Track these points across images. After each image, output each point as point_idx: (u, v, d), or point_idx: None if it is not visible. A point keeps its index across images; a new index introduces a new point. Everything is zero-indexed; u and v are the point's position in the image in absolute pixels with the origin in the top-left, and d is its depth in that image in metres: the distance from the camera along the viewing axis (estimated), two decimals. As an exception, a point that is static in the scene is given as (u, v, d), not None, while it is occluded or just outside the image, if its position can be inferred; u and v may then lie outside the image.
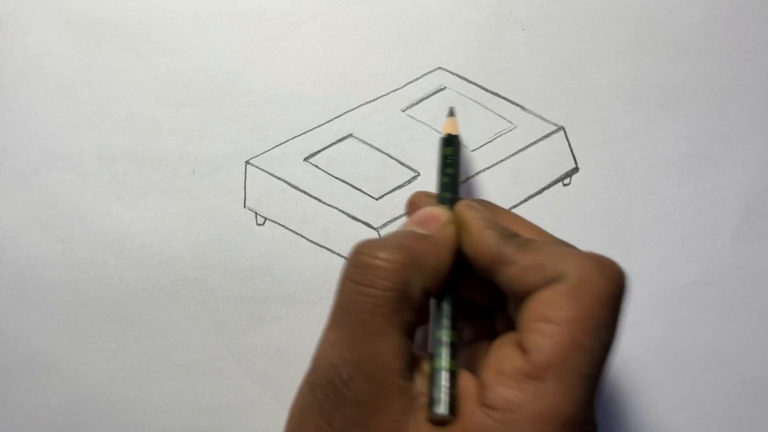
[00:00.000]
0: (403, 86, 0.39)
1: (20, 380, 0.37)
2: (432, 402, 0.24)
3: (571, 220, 0.38)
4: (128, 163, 0.38)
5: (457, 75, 0.39)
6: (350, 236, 0.38)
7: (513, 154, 0.38)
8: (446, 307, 0.27)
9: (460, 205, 0.29)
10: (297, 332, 0.37)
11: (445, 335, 0.26)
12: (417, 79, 0.39)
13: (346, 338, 0.25)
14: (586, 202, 0.38)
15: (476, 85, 0.39)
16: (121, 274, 0.37)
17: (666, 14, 0.39)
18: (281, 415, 0.37)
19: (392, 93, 0.39)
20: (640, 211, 0.38)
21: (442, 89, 0.39)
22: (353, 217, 0.38)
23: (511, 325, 0.27)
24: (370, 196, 0.38)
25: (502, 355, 0.25)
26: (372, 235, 0.38)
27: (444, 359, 0.25)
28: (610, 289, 0.24)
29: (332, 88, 0.39)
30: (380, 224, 0.38)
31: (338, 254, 0.38)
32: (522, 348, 0.24)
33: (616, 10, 0.39)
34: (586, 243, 0.38)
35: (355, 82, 0.39)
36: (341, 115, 0.39)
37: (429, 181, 0.38)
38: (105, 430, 0.37)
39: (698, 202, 0.38)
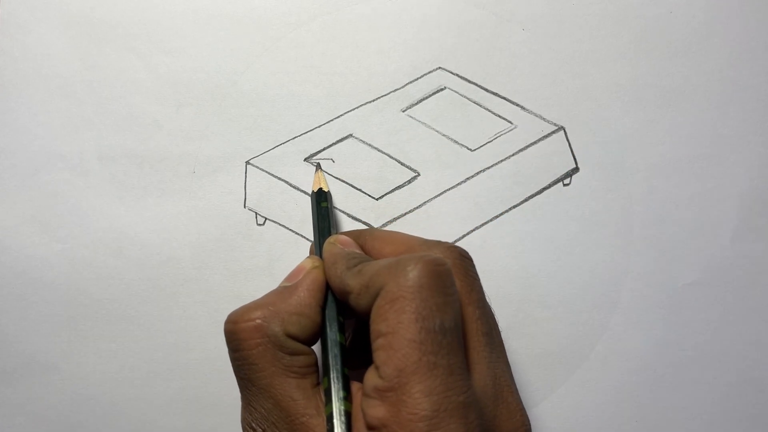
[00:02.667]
0: (403, 86, 0.39)
1: (20, 380, 0.37)
2: None
3: (571, 220, 0.38)
4: (128, 163, 0.38)
5: (457, 75, 0.39)
6: (350, 236, 0.38)
7: (513, 154, 0.38)
8: (328, 345, 0.28)
9: (325, 244, 0.31)
10: (297, 332, 0.37)
11: (326, 381, 0.27)
12: (417, 79, 0.39)
13: (248, 398, 0.28)
14: (586, 202, 0.38)
15: (476, 85, 0.39)
16: (121, 274, 0.37)
17: (666, 14, 0.39)
18: (281, 415, 0.37)
19: (392, 93, 0.39)
20: (640, 211, 0.38)
21: (442, 89, 0.39)
22: (353, 217, 0.38)
23: None
24: (370, 196, 0.38)
25: (366, 379, 0.26)
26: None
27: (332, 404, 0.26)
28: (421, 281, 0.25)
29: (332, 88, 0.39)
30: (380, 224, 0.38)
31: (338, 254, 0.38)
32: (375, 367, 0.25)
33: (616, 10, 0.39)
34: (586, 243, 0.38)
35: (355, 82, 0.39)
36: (341, 115, 0.39)
37: (429, 181, 0.38)
38: (105, 430, 0.37)
39: (698, 202, 0.38)
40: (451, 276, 0.26)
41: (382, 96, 0.39)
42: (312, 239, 0.38)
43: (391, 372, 0.24)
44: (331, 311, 0.29)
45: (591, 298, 0.38)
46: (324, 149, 0.38)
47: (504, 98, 0.39)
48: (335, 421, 0.26)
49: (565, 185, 0.38)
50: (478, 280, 0.28)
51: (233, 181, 0.38)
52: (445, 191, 0.38)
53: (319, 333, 0.29)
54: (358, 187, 0.38)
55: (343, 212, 0.38)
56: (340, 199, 0.38)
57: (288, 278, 0.30)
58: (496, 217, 0.38)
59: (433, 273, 0.25)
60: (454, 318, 0.25)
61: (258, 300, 0.29)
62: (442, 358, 0.24)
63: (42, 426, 0.37)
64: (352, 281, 0.27)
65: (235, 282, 0.37)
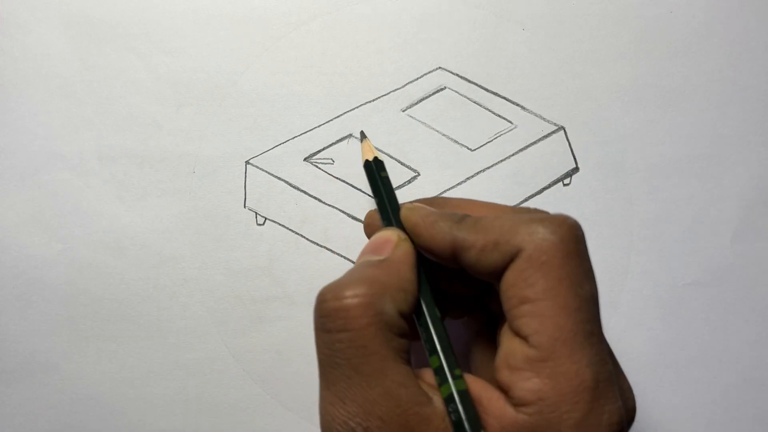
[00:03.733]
0: (403, 86, 0.39)
1: (20, 380, 0.37)
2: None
3: (571, 220, 0.38)
4: (128, 163, 0.38)
5: (457, 75, 0.39)
6: (350, 236, 0.38)
7: (513, 154, 0.38)
8: (429, 322, 0.26)
9: (403, 212, 0.29)
10: (297, 332, 0.37)
11: (437, 360, 0.25)
12: (417, 79, 0.39)
13: (344, 392, 0.24)
14: (586, 202, 0.38)
15: (476, 85, 0.39)
16: (122, 274, 0.37)
17: (666, 14, 0.39)
18: (281, 415, 0.37)
19: (392, 93, 0.39)
20: (640, 211, 0.38)
21: (442, 89, 0.39)
22: (353, 217, 0.38)
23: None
24: (370, 196, 0.38)
25: (507, 350, 0.24)
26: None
27: (450, 383, 0.24)
28: (568, 245, 0.23)
29: (332, 88, 0.39)
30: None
31: (338, 254, 0.38)
32: (520, 336, 0.24)
33: (616, 10, 0.39)
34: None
35: (355, 82, 0.39)
36: (341, 115, 0.39)
37: (429, 181, 0.38)
38: (105, 430, 0.37)
39: (698, 202, 0.38)
40: (586, 242, 0.24)
41: (382, 96, 0.39)
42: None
43: (545, 341, 0.22)
44: (424, 286, 0.27)
45: (591, 298, 0.38)
46: (324, 149, 0.38)
47: (504, 98, 0.39)
48: (457, 402, 0.23)
49: (565, 185, 0.38)
50: None
51: (233, 181, 0.38)
52: (445, 191, 0.38)
53: (414, 312, 0.26)
54: (358, 187, 0.38)
55: (343, 212, 0.38)
56: (340, 198, 0.38)
57: (372, 251, 0.27)
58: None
59: (578, 238, 0.24)
60: (595, 285, 0.24)
61: (354, 275, 0.25)
62: (595, 326, 0.23)
63: (42, 426, 0.37)
64: (470, 236, 0.25)
65: (235, 282, 0.37)
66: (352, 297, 0.24)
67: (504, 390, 0.24)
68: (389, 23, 0.39)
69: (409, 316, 0.26)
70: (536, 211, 0.27)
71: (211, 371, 0.37)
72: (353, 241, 0.38)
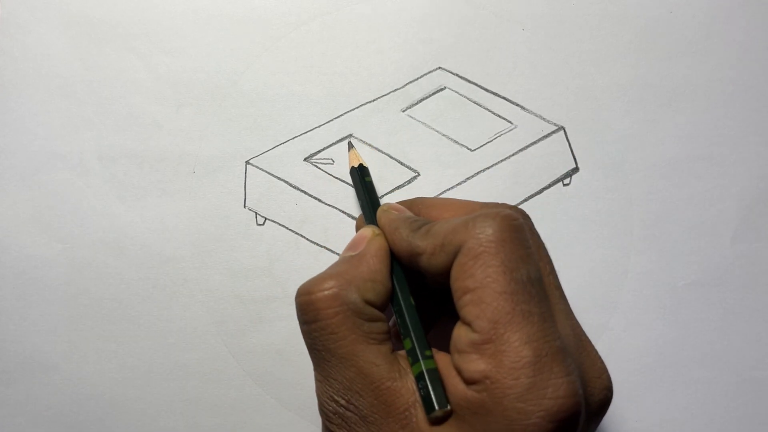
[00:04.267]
0: (403, 86, 0.39)
1: (20, 380, 0.37)
2: (426, 406, 0.26)
3: (571, 220, 0.38)
4: (128, 163, 0.38)
5: (457, 75, 0.39)
6: (350, 236, 0.38)
7: (513, 154, 0.38)
8: (403, 307, 0.29)
9: (378, 212, 0.31)
10: (297, 332, 0.37)
11: (410, 342, 0.27)
12: (417, 79, 0.39)
13: (326, 370, 0.27)
14: (586, 202, 0.38)
15: (476, 85, 0.39)
16: (122, 274, 0.37)
17: (666, 14, 0.39)
18: (281, 414, 0.37)
19: (392, 93, 0.39)
20: (640, 211, 0.38)
21: (442, 89, 0.39)
22: (353, 217, 0.38)
23: None
24: (370, 196, 0.38)
25: (456, 336, 0.26)
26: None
27: (421, 363, 0.26)
28: (502, 234, 0.26)
29: (332, 88, 0.39)
30: (380, 224, 0.38)
31: (338, 254, 0.38)
32: (465, 323, 0.26)
33: (616, 10, 0.39)
34: (586, 243, 0.38)
35: (355, 82, 0.39)
36: (341, 115, 0.39)
37: (429, 181, 0.38)
38: (105, 430, 0.37)
39: (698, 202, 0.38)
40: (526, 230, 0.27)
41: (382, 96, 0.39)
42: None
43: (486, 325, 0.25)
44: (399, 276, 0.29)
45: (591, 298, 0.38)
46: (324, 149, 0.38)
47: (504, 98, 0.39)
48: (426, 380, 0.26)
49: (565, 185, 0.38)
50: (540, 238, 0.29)
51: (233, 181, 0.38)
52: (445, 191, 0.38)
53: (389, 299, 0.29)
54: (358, 187, 0.38)
55: (343, 212, 0.38)
56: (340, 198, 0.38)
57: (350, 248, 0.30)
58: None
59: (512, 227, 0.26)
60: (536, 269, 0.26)
61: (327, 271, 0.28)
62: (534, 306, 0.25)
63: (42, 426, 0.37)
64: (422, 242, 0.28)
65: (235, 282, 0.37)
66: (320, 291, 0.27)
67: (457, 371, 0.26)
68: (389, 23, 0.39)
69: (381, 303, 0.28)
70: (489, 206, 0.29)
71: (211, 371, 0.37)
72: (353, 241, 0.38)
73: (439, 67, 0.39)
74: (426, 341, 0.27)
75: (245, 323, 0.37)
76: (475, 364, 0.24)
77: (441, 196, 0.38)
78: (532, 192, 0.38)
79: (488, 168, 0.38)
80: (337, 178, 0.38)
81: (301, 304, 0.28)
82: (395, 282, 0.29)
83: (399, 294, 0.29)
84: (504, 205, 0.29)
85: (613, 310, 0.38)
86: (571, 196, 0.38)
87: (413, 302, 0.29)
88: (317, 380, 0.28)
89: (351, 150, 0.37)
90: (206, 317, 0.37)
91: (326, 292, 0.27)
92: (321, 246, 0.38)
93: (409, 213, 0.31)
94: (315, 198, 0.38)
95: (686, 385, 0.37)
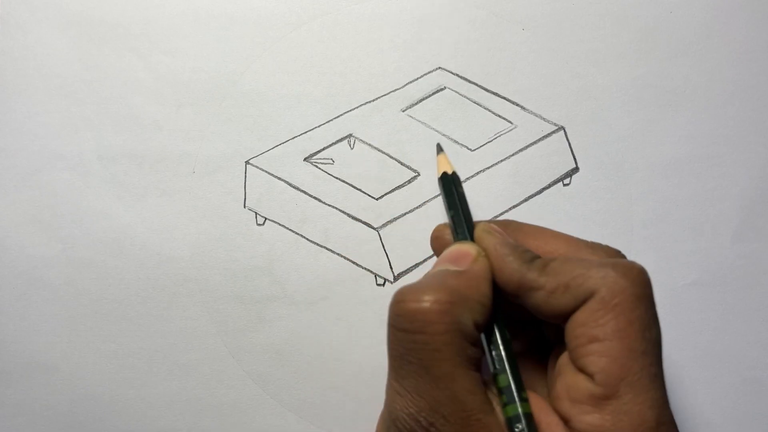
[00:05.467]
0: (403, 86, 0.39)
1: (20, 380, 0.37)
2: None
3: (571, 220, 0.38)
4: (128, 163, 0.38)
5: (457, 75, 0.39)
6: (350, 236, 0.38)
7: (513, 154, 0.38)
8: (500, 341, 0.27)
9: (478, 232, 0.29)
10: (297, 332, 0.37)
11: (506, 379, 0.26)
12: (417, 79, 0.39)
13: (414, 386, 0.25)
14: (586, 202, 0.38)
15: (476, 85, 0.39)
16: (121, 274, 0.37)
17: (666, 14, 0.39)
18: (281, 415, 0.37)
19: (392, 93, 0.39)
20: (640, 211, 0.38)
21: (442, 89, 0.39)
22: (353, 217, 0.38)
23: (560, 334, 0.27)
24: (370, 196, 0.38)
25: (569, 383, 0.25)
26: (372, 234, 0.38)
27: (517, 405, 0.25)
28: (638, 290, 0.25)
29: (332, 88, 0.39)
30: (380, 224, 0.38)
31: (338, 254, 0.38)
32: (585, 372, 0.25)
33: (616, 10, 0.39)
34: (586, 243, 0.38)
35: (355, 82, 0.39)
36: (341, 115, 0.39)
37: (429, 182, 0.38)
38: (105, 430, 0.37)
39: (698, 202, 0.38)
40: (652, 288, 0.26)
41: (382, 96, 0.39)
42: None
43: (611, 380, 0.24)
44: (498, 305, 0.27)
45: (591, 298, 0.37)
46: (324, 149, 0.38)
47: (504, 98, 0.39)
48: (523, 423, 0.25)
49: (565, 185, 0.38)
50: None
51: (233, 181, 0.38)
52: (445, 191, 0.38)
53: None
54: (358, 187, 0.38)
55: (343, 212, 0.38)
56: (340, 198, 0.38)
57: (453, 261, 0.28)
58: (496, 217, 0.38)
59: (647, 283, 0.25)
60: (660, 331, 0.25)
61: (433, 281, 0.26)
62: (660, 370, 0.24)
63: (42, 426, 0.37)
64: (540, 278, 0.26)
65: (235, 282, 0.37)
66: (432, 302, 0.25)
67: (563, 419, 0.25)
68: (389, 23, 0.39)
69: (483, 329, 0.27)
70: (608, 250, 0.28)
71: (211, 371, 0.37)
72: (353, 241, 0.38)
73: (439, 67, 0.39)
74: (522, 381, 0.26)
75: (245, 323, 0.37)
76: (591, 417, 0.24)
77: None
78: (532, 192, 0.38)
79: (488, 168, 0.38)
80: (337, 178, 0.38)
81: (405, 311, 0.25)
82: (495, 311, 0.27)
83: (497, 325, 0.27)
84: (614, 250, 0.28)
85: (613, 310, 0.38)
86: (571, 196, 0.38)
87: (509, 336, 0.27)
88: (397, 392, 0.25)
89: (440, 154, 0.34)
90: (206, 317, 0.37)
91: (438, 306, 0.25)
92: (321, 246, 0.38)
93: (510, 239, 0.29)
94: (315, 198, 0.38)
95: (686, 385, 0.37)
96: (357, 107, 0.39)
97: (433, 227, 0.37)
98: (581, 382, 0.25)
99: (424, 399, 0.25)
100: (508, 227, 0.30)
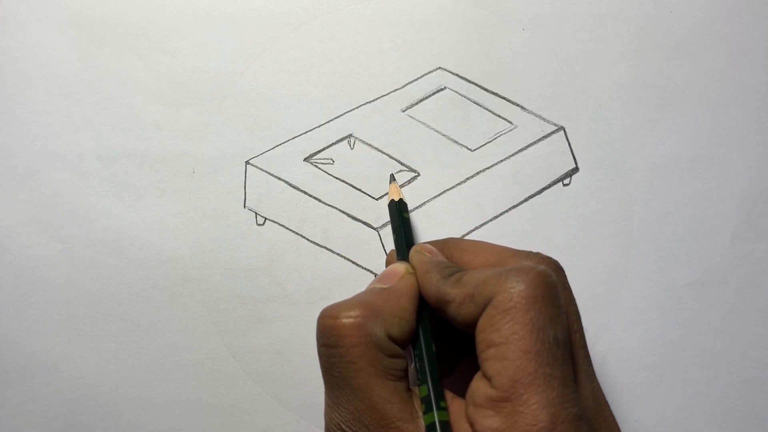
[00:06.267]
0: (403, 86, 0.39)
1: (20, 380, 0.37)
2: None
3: (571, 220, 0.38)
4: (128, 163, 0.38)
5: (457, 75, 0.39)
6: (350, 236, 0.38)
7: (513, 154, 0.38)
8: (424, 353, 0.28)
9: (411, 252, 0.31)
10: (297, 332, 0.37)
11: (426, 389, 0.27)
12: (417, 79, 0.39)
13: (338, 398, 0.27)
14: (586, 202, 0.38)
15: (476, 85, 0.39)
16: (121, 274, 0.37)
17: (666, 14, 0.39)
18: (281, 415, 0.37)
19: (392, 93, 0.39)
20: (640, 211, 0.38)
21: (442, 89, 0.39)
22: (353, 217, 0.38)
23: None
24: (370, 196, 0.38)
25: (473, 388, 0.26)
26: (372, 234, 0.38)
27: (434, 413, 0.26)
28: (533, 291, 0.25)
29: (332, 88, 0.39)
30: (380, 224, 0.38)
31: (338, 254, 0.38)
32: (486, 377, 0.25)
33: (616, 10, 0.39)
34: (586, 243, 0.38)
35: (355, 82, 0.39)
36: (341, 115, 0.39)
37: (429, 181, 0.38)
38: (105, 430, 0.37)
39: (698, 202, 0.38)
40: (558, 288, 0.26)
41: (382, 96, 0.39)
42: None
43: (506, 382, 0.24)
44: (424, 319, 0.29)
45: (591, 298, 0.38)
46: (324, 149, 0.38)
47: (504, 98, 0.39)
48: (437, 431, 0.26)
49: (565, 185, 0.38)
50: (572, 293, 0.29)
51: (233, 181, 0.38)
52: (445, 191, 0.38)
53: (411, 338, 0.29)
54: (358, 187, 0.38)
55: (343, 212, 0.38)
56: (340, 198, 0.38)
57: (381, 280, 0.30)
58: (496, 217, 0.38)
59: (545, 284, 0.25)
60: (564, 330, 0.25)
61: (354, 299, 0.28)
62: (557, 370, 0.24)
63: (42, 426, 0.37)
64: (452, 290, 0.27)
65: (235, 282, 0.37)
66: (345, 318, 0.27)
67: (469, 423, 0.25)
68: (389, 23, 0.39)
69: (404, 341, 0.28)
70: (535, 257, 0.29)
71: (211, 371, 0.37)
72: (353, 241, 0.38)
73: (439, 67, 0.39)
74: (442, 390, 0.27)
75: (245, 323, 0.37)
76: (490, 421, 0.24)
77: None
78: (532, 192, 0.38)
79: (488, 168, 0.38)
80: (337, 178, 0.38)
81: (323, 327, 0.27)
82: (420, 325, 0.29)
83: (422, 338, 0.28)
84: (538, 257, 0.29)
85: (613, 310, 0.38)
86: (571, 196, 0.38)
87: (434, 348, 0.29)
88: (327, 404, 0.27)
89: (392, 183, 0.36)
90: (206, 317, 0.37)
91: (351, 320, 0.26)
92: (321, 246, 0.38)
93: (441, 257, 0.30)
94: (315, 198, 0.38)
95: (686, 385, 0.37)
96: (357, 107, 0.39)
97: (434, 227, 0.38)
98: (482, 387, 0.25)
99: (347, 409, 0.26)
100: (445, 245, 0.31)
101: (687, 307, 0.38)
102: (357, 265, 0.38)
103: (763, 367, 0.37)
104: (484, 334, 0.25)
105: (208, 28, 0.39)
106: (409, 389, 0.27)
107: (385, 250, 0.38)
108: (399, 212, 0.34)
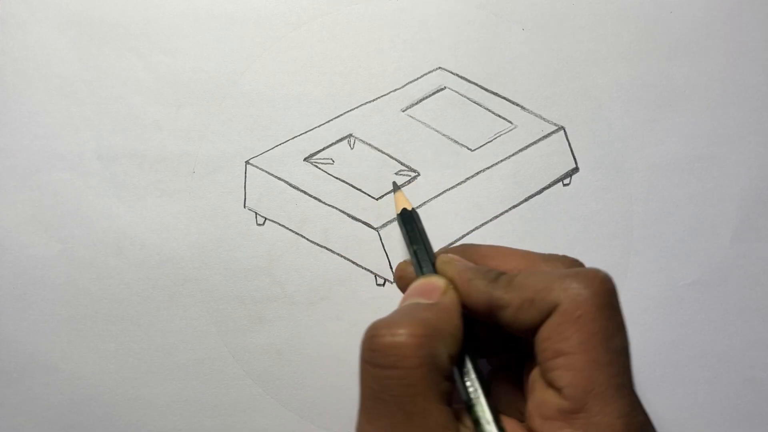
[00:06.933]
0: (403, 86, 0.39)
1: (20, 380, 0.37)
2: None
3: (571, 220, 0.38)
4: (128, 163, 0.38)
5: (457, 75, 0.39)
6: (350, 236, 0.38)
7: (513, 154, 0.38)
8: (472, 372, 0.27)
9: (439, 264, 0.29)
10: (297, 332, 0.37)
11: (481, 410, 0.26)
12: (417, 79, 0.39)
13: (388, 425, 0.24)
14: (586, 202, 0.38)
15: (476, 85, 0.39)
16: (121, 274, 0.37)
17: (666, 14, 0.39)
18: (281, 415, 0.37)
19: (392, 93, 0.39)
20: (640, 211, 0.38)
21: (442, 89, 0.39)
22: (353, 217, 0.38)
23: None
24: (370, 196, 0.38)
25: (539, 399, 0.25)
26: (372, 234, 0.38)
27: None
28: (600, 300, 0.25)
29: (332, 88, 0.39)
30: (380, 224, 0.38)
31: (338, 254, 0.38)
32: (554, 387, 0.24)
33: (616, 10, 0.39)
34: (586, 243, 0.38)
35: (355, 82, 0.39)
36: (341, 115, 0.39)
37: (429, 181, 0.38)
38: (105, 430, 0.37)
39: (698, 202, 0.38)
40: (618, 295, 0.25)
41: (382, 96, 0.39)
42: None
43: (578, 393, 0.24)
44: (469, 336, 0.27)
45: (591, 298, 0.37)
46: (324, 149, 0.38)
47: (504, 98, 0.39)
48: None
49: (565, 185, 0.38)
50: None
51: (233, 181, 0.38)
52: (445, 191, 0.38)
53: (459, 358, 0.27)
54: (358, 187, 0.38)
55: (343, 212, 0.38)
56: (340, 198, 0.38)
57: (422, 295, 0.28)
58: (496, 217, 0.38)
59: (609, 292, 0.25)
60: (626, 338, 0.25)
61: (406, 313, 0.26)
62: (625, 379, 0.24)
63: (42, 426, 0.37)
64: (506, 294, 0.26)
65: (235, 282, 0.37)
66: (407, 335, 0.24)
67: None
68: (389, 23, 0.39)
69: (457, 362, 0.26)
70: (565, 260, 0.28)
71: (211, 371, 0.37)
72: (353, 241, 0.38)
73: (439, 67, 0.39)
74: (497, 412, 0.26)
75: (245, 323, 0.37)
76: None
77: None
78: (532, 192, 0.38)
79: (488, 168, 0.38)
80: (337, 178, 0.38)
81: (378, 345, 0.24)
82: (467, 343, 0.27)
83: (469, 357, 0.27)
84: (570, 259, 0.28)
85: (613, 310, 0.38)
86: (571, 196, 0.38)
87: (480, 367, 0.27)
88: (365, 429, 0.25)
89: (397, 192, 0.35)
90: (206, 317, 0.37)
91: (414, 339, 0.24)
92: (321, 246, 0.38)
93: (471, 263, 0.29)
94: (315, 198, 0.38)
95: (686, 385, 0.37)
96: (357, 107, 0.39)
97: (434, 227, 0.37)
98: (550, 398, 0.24)
99: None
100: (465, 252, 0.30)
101: (687, 307, 0.38)
102: (357, 265, 0.38)
103: (763, 367, 0.37)
104: (549, 342, 0.25)
105: (208, 28, 0.39)
106: (456, 415, 0.26)
107: (385, 250, 0.38)
108: (414, 223, 0.33)
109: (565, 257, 0.29)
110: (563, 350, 0.24)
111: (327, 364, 0.37)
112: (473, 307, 0.27)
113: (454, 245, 0.32)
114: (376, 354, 0.24)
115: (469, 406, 0.26)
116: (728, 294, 0.38)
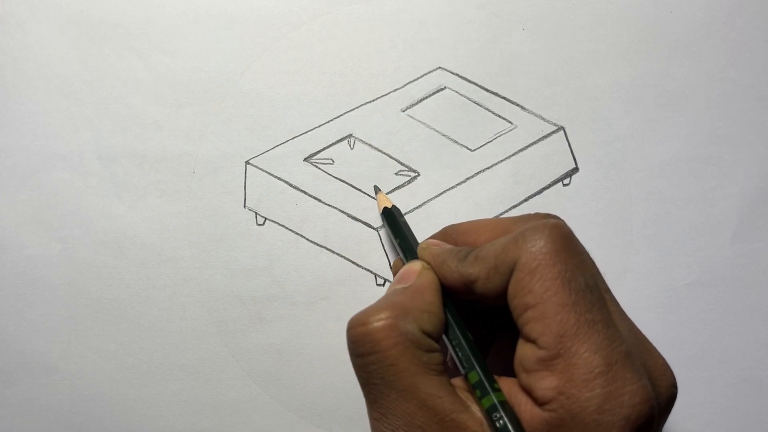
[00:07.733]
0: (403, 86, 0.39)
1: (20, 380, 0.37)
2: None
3: (571, 220, 0.38)
4: (128, 163, 0.38)
5: (457, 75, 0.39)
6: (350, 236, 0.38)
7: (513, 154, 0.38)
8: (462, 341, 0.28)
9: (419, 251, 0.31)
10: (297, 332, 0.37)
11: (476, 375, 0.26)
12: (417, 79, 0.39)
13: (384, 407, 0.26)
14: (586, 202, 0.38)
15: (476, 85, 0.39)
16: (121, 274, 0.37)
17: (666, 14, 0.39)
18: (281, 415, 0.37)
19: (392, 93, 0.39)
20: (640, 211, 0.38)
21: (442, 89, 0.39)
22: (353, 217, 0.38)
23: None
24: (370, 196, 0.38)
25: (521, 355, 0.25)
26: (372, 234, 0.38)
27: (492, 396, 0.25)
28: (554, 245, 0.25)
29: (332, 88, 0.39)
30: (380, 224, 0.38)
31: (338, 254, 0.38)
32: (530, 341, 0.25)
33: (616, 10, 0.39)
34: (586, 243, 0.38)
35: (355, 82, 0.39)
36: (341, 115, 0.39)
37: (429, 181, 0.38)
38: (105, 430, 0.37)
39: (698, 202, 0.38)
40: (575, 236, 0.26)
41: (382, 96, 0.39)
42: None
43: (551, 339, 0.24)
44: (451, 310, 0.29)
45: (591, 298, 0.38)
46: (324, 149, 0.38)
47: (504, 98, 0.39)
48: (501, 412, 0.25)
49: (565, 185, 0.38)
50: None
51: (233, 181, 0.38)
52: (445, 191, 0.38)
53: (442, 331, 0.28)
54: (358, 187, 0.38)
55: (343, 212, 0.38)
56: (340, 198, 0.38)
57: (399, 281, 0.29)
58: (496, 217, 0.38)
59: (563, 236, 0.25)
60: (591, 274, 0.26)
61: (379, 302, 0.27)
62: (596, 314, 0.24)
63: (42, 426, 0.37)
64: (474, 269, 0.27)
65: (235, 282, 0.37)
66: (376, 321, 0.26)
67: (526, 392, 0.25)
68: (389, 23, 0.39)
69: (437, 335, 0.27)
70: (529, 218, 0.29)
71: (211, 371, 0.37)
72: (353, 241, 0.38)
73: (439, 67, 0.39)
74: (491, 373, 0.27)
75: (245, 323, 0.37)
76: (547, 381, 0.24)
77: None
78: (532, 192, 0.38)
79: (488, 168, 0.38)
80: (337, 178, 0.38)
81: (355, 336, 0.26)
82: (449, 316, 0.28)
83: (456, 327, 0.28)
84: (538, 215, 0.29)
85: (613, 310, 0.38)
86: (571, 196, 0.38)
87: (470, 335, 0.28)
88: (374, 418, 0.26)
89: (378, 193, 0.37)
90: (206, 317, 0.37)
91: (383, 322, 0.26)
92: (321, 246, 0.38)
93: (448, 245, 0.30)
94: (315, 198, 0.38)
95: (686, 385, 0.37)
96: (357, 107, 0.39)
97: (434, 227, 0.37)
98: (529, 350, 0.25)
99: (396, 416, 0.25)
100: (446, 233, 0.31)
101: (687, 307, 0.38)
102: (357, 265, 0.38)
103: (763, 367, 0.37)
104: (517, 299, 0.25)
105: (208, 28, 0.39)
106: (449, 382, 0.27)
107: (385, 250, 0.38)
108: (395, 218, 0.35)
109: (537, 214, 0.29)
110: (529, 303, 0.25)
111: (327, 364, 0.37)
112: (451, 286, 0.29)
113: (438, 231, 0.33)
114: (356, 345, 0.26)
115: (466, 374, 0.27)
116: (728, 294, 0.38)
